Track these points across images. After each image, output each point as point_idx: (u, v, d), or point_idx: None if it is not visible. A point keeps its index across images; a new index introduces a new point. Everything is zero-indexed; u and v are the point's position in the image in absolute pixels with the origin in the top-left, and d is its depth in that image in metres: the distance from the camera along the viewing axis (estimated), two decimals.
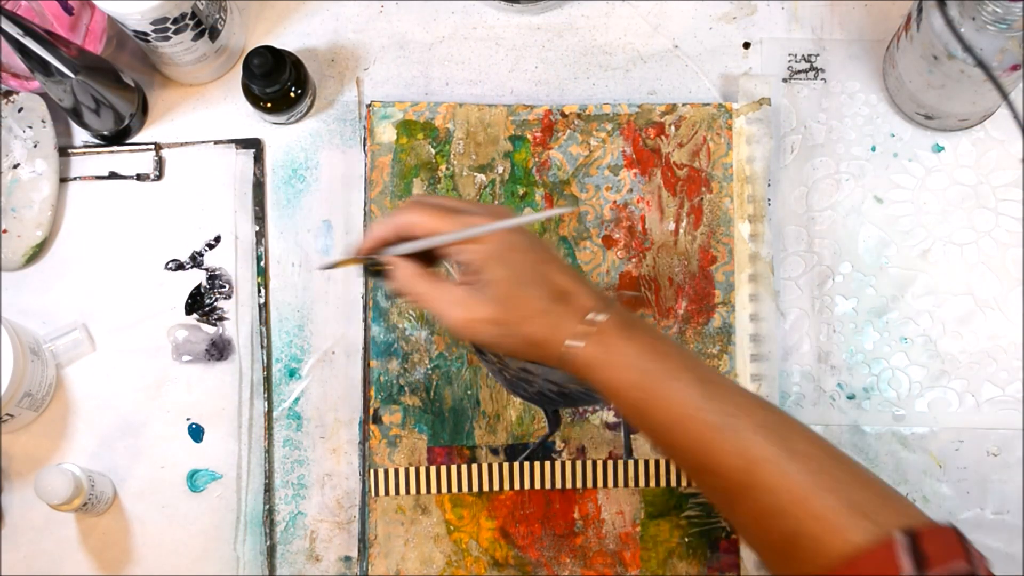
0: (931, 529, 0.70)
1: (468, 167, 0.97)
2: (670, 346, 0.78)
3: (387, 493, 0.94)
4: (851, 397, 0.97)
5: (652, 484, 0.94)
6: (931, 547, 0.68)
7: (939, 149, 1.00)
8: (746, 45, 1.02)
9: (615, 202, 0.97)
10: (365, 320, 0.96)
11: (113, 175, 1.00)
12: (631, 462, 0.94)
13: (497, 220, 0.77)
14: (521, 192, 0.97)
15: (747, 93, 0.98)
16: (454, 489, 0.94)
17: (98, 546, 0.96)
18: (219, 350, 0.98)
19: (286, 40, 1.02)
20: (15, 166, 0.98)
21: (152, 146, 1.00)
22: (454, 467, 0.94)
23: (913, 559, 0.68)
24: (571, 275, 0.78)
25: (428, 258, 0.80)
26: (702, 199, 0.97)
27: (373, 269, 0.80)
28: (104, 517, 0.96)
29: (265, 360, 0.98)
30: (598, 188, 0.97)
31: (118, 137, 1.00)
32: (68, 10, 0.96)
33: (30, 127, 0.98)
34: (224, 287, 0.99)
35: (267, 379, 0.98)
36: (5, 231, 0.98)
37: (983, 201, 0.99)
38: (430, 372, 0.95)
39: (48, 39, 0.88)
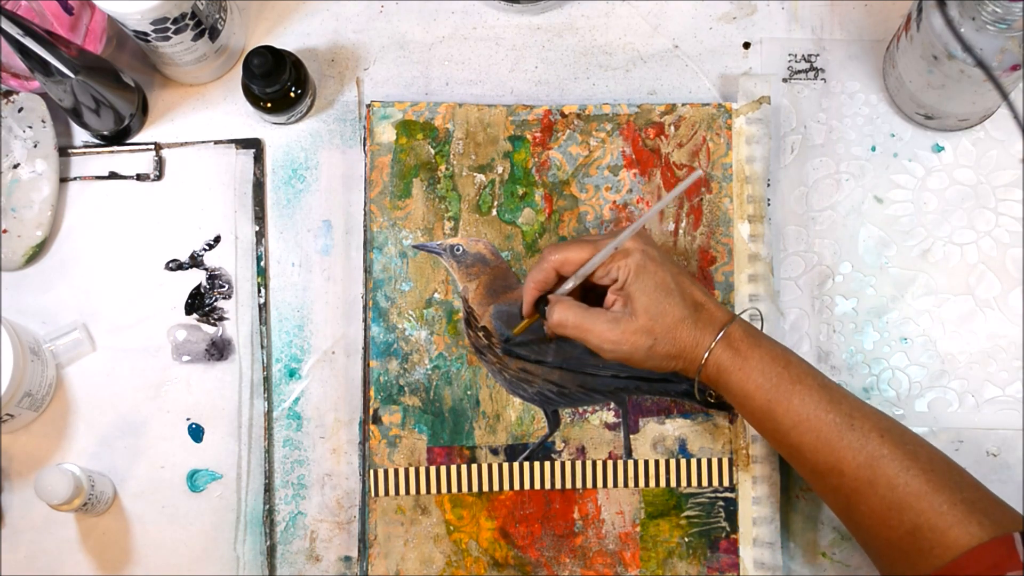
0: None
1: (468, 167, 0.97)
2: (791, 353, 0.85)
3: (387, 493, 0.94)
4: None
5: (652, 484, 0.94)
6: None
7: (939, 149, 1.00)
8: (746, 45, 1.02)
9: (615, 202, 0.97)
10: (365, 320, 0.96)
11: (113, 175, 1.00)
12: (631, 462, 0.94)
13: (627, 231, 0.85)
14: (521, 192, 0.97)
15: (747, 93, 0.98)
16: (454, 489, 0.94)
17: (98, 546, 0.96)
18: (219, 350, 0.98)
19: (286, 40, 1.02)
20: (15, 166, 0.98)
21: (152, 146, 1.00)
22: (454, 467, 0.94)
23: None
24: (700, 288, 0.87)
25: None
26: (702, 199, 0.97)
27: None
28: (104, 517, 0.96)
29: (265, 360, 0.98)
30: (598, 188, 0.97)
31: (118, 137, 1.00)
32: (68, 10, 0.96)
33: (30, 127, 0.98)
34: (224, 287, 0.99)
35: (267, 379, 0.98)
36: (5, 231, 0.98)
37: (983, 201, 0.99)
38: (430, 372, 0.95)
39: (48, 39, 0.88)
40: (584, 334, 0.85)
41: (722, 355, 0.84)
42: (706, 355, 0.84)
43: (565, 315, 0.85)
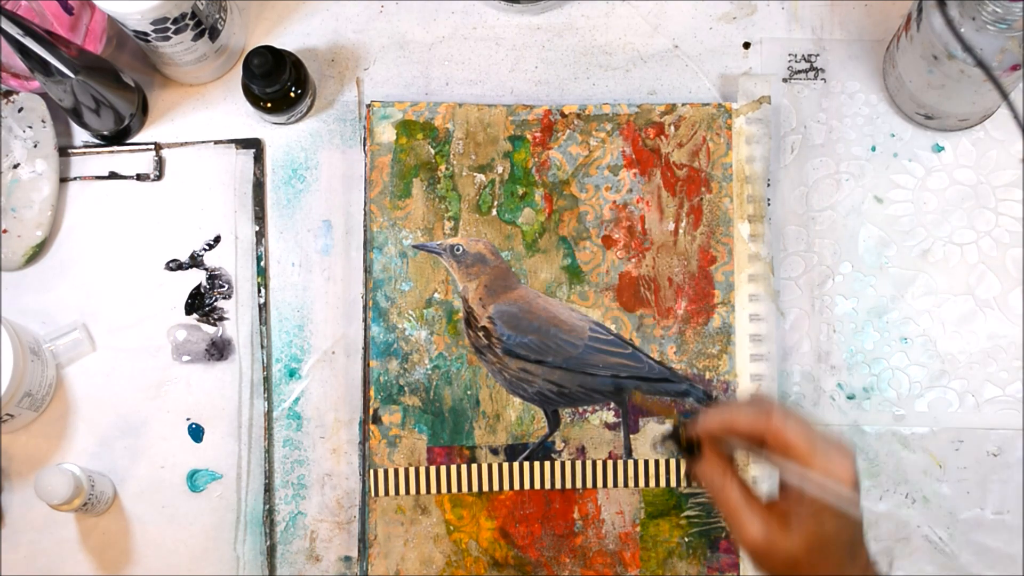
0: None
1: (468, 167, 0.97)
2: None
3: (387, 493, 0.94)
4: (851, 397, 0.97)
5: (652, 484, 0.94)
6: None
7: (939, 149, 1.00)
8: (746, 45, 1.02)
9: (615, 202, 0.97)
10: (365, 320, 0.96)
11: (113, 175, 1.00)
12: (631, 462, 0.94)
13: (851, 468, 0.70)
14: (521, 192, 0.97)
15: (747, 93, 0.98)
16: (454, 489, 0.94)
17: (98, 546, 0.96)
18: (219, 350, 0.98)
19: (286, 40, 1.02)
20: (15, 166, 0.98)
21: (152, 146, 1.00)
22: (454, 467, 0.94)
23: None
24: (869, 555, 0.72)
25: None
26: (702, 199, 0.97)
27: (685, 445, 0.74)
28: (104, 517, 0.96)
29: (265, 360, 0.98)
30: (598, 188, 0.97)
31: (118, 137, 1.00)
32: (68, 10, 0.96)
33: (30, 127, 0.98)
34: (224, 287, 0.99)
35: (267, 379, 0.98)
36: (5, 231, 0.98)
37: (983, 201, 0.99)
38: (430, 372, 0.95)
39: (48, 39, 0.88)
40: (729, 511, 0.71)
41: None
42: None
43: (722, 483, 0.71)
